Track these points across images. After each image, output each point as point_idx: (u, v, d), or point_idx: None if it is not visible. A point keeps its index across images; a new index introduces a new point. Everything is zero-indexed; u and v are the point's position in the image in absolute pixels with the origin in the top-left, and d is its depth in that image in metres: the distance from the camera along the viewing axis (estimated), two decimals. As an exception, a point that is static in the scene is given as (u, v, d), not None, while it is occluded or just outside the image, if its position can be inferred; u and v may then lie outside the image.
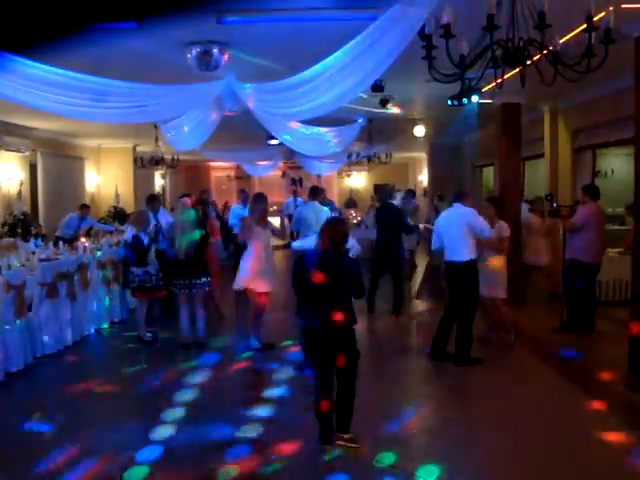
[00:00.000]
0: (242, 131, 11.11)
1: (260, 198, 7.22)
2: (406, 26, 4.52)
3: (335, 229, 4.45)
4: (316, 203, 8.92)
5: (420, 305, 9.67)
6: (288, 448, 4.43)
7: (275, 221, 7.53)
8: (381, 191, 11.68)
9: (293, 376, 6.11)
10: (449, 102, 7.80)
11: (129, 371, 6.43)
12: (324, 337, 4.34)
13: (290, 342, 7.20)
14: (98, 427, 4.90)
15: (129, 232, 7.85)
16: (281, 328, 7.92)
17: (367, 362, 5.70)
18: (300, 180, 20.39)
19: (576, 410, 5.24)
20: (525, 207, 10.01)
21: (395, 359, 6.90)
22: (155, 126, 10.52)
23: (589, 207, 7.45)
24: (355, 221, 15.51)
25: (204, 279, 7.20)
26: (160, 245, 7.78)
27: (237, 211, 10.48)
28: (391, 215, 9.23)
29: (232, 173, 25.53)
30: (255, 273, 6.95)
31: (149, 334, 7.57)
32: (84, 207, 12.01)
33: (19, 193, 11.57)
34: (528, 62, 3.63)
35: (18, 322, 6.31)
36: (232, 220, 10.24)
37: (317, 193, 9.12)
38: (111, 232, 11.26)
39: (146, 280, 7.40)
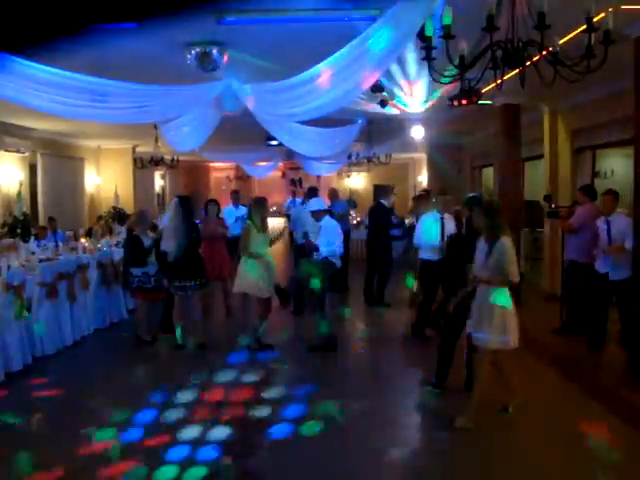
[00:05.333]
0: (242, 131, 11.09)
1: (261, 203, 7.18)
2: (406, 26, 4.52)
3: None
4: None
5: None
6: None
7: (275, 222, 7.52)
8: (377, 191, 11.74)
9: (293, 377, 6.10)
10: (449, 102, 7.78)
11: (128, 371, 6.43)
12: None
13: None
14: (98, 427, 4.90)
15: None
16: (281, 329, 7.91)
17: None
18: (300, 181, 20.40)
19: (575, 410, 5.24)
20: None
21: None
22: (155, 127, 10.51)
23: (586, 208, 7.44)
24: (355, 222, 15.52)
25: (197, 281, 7.17)
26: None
27: (230, 212, 10.46)
28: (378, 215, 9.55)
29: (232, 174, 25.53)
30: (254, 278, 6.90)
31: (149, 335, 7.57)
32: (49, 224, 11.22)
33: (19, 194, 11.56)
34: (527, 63, 3.63)
35: (17, 322, 6.31)
36: (228, 221, 10.20)
37: (314, 195, 9.10)
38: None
39: (145, 281, 7.41)
